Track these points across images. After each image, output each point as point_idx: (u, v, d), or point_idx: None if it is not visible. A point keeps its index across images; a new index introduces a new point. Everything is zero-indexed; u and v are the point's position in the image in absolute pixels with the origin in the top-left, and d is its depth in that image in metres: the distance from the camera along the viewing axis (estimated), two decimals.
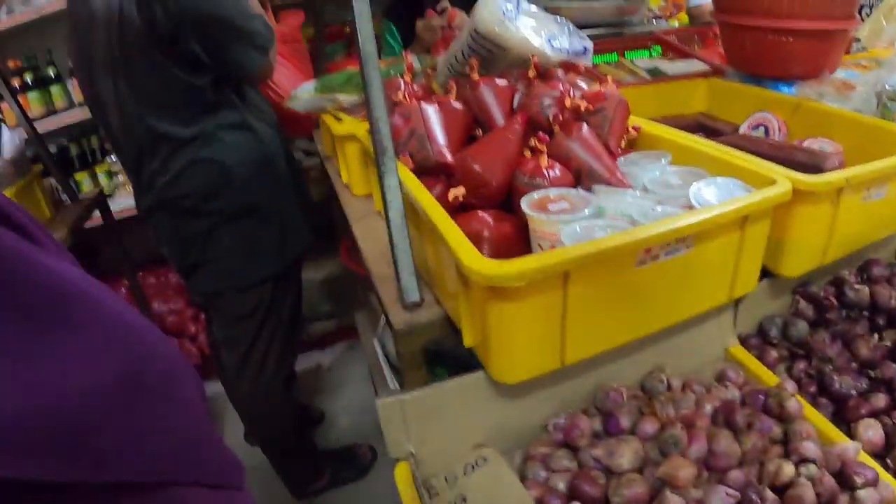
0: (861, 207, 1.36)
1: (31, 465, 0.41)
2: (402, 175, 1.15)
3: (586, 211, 1.08)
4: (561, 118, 1.29)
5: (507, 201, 1.25)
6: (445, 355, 1.41)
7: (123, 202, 3.09)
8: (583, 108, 1.31)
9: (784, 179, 1.16)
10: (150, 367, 0.51)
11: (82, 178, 3.31)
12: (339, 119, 1.71)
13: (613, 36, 2.45)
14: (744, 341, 1.38)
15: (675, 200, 1.17)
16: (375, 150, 1.09)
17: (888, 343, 1.33)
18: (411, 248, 1.13)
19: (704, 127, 1.91)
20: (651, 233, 0.97)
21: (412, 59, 1.65)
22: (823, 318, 1.41)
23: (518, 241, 1.18)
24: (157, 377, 0.52)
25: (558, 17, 1.60)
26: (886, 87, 1.73)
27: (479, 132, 1.42)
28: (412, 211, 1.14)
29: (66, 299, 0.48)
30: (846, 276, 1.46)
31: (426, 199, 1.10)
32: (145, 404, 0.49)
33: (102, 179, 3.35)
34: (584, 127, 1.29)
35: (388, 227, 1.11)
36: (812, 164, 1.42)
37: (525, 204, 1.12)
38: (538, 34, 1.52)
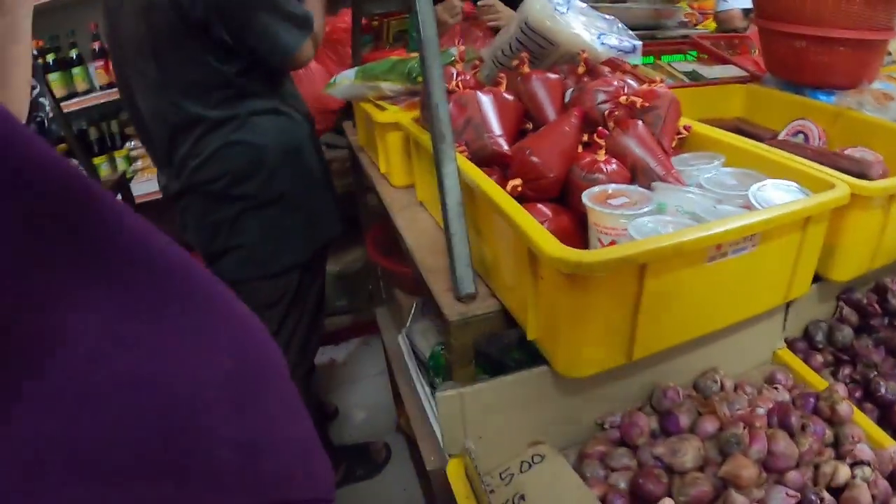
0: None
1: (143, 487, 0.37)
2: (461, 163, 1.14)
3: (648, 207, 1.08)
4: (616, 114, 1.29)
5: (561, 196, 1.24)
6: (479, 355, 1.40)
7: (142, 187, 3.08)
8: (638, 105, 1.30)
9: (842, 183, 1.16)
10: (262, 365, 0.48)
11: (100, 161, 3.30)
12: (381, 107, 1.69)
13: (650, 39, 2.45)
14: (790, 345, 1.38)
15: (734, 200, 1.16)
16: (434, 136, 1.08)
17: None
18: (468, 237, 1.12)
19: (743, 131, 1.89)
20: (725, 227, 0.96)
21: (463, 48, 1.63)
22: (867, 325, 1.42)
23: (575, 235, 1.17)
24: (269, 376, 0.48)
25: (607, 15, 1.59)
26: None
27: (530, 126, 1.41)
28: (470, 198, 1.13)
29: (190, 272, 0.45)
30: (888, 284, 1.46)
31: (491, 187, 1.09)
32: (258, 409, 0.45)
33: (122, 164, 3.34)
34: (640, 124, 1.28)
35: (445, 215, 1.10)
36: (857, 172, 1.41)
37: (587, 198, 1.11)
38: (588, 30, 1.51)
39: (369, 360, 3.24)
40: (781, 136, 1.80)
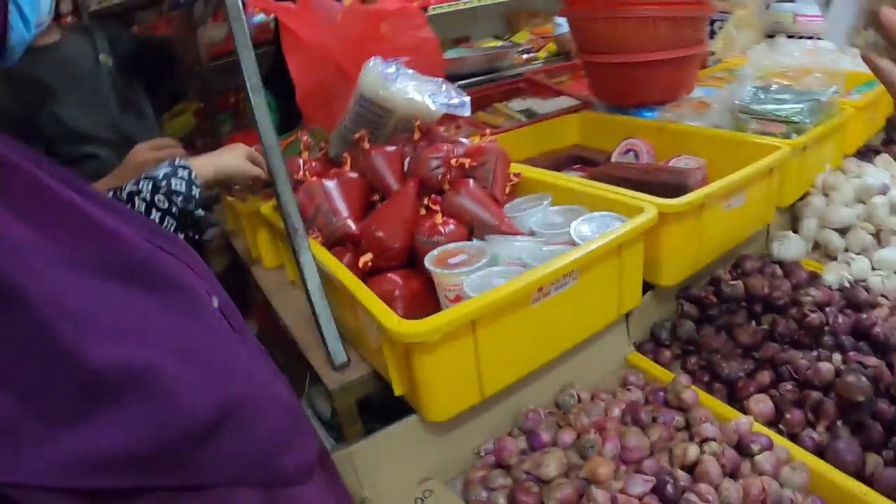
0: (724, 215, 1.56)
1: (135, 478, 0.47)
2: (315, 250, 1.27)
3: (483, 261, 1.23)
4: (449, 177, 1.44)
5: (411, 260, 1.39)
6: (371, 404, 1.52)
7: None
8: (467, 165, 1.45)
9: (650, 206, 1.34)
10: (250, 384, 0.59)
11: None
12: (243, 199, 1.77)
13: (487, 83, 2.62)
14: (639, 347, 1.53)
15: (559, 238, 1.32)
16: (288, 232, 1.20)
17: (766, 326, 1.50)
18: (332, 315, 1.25)
19: (580, 158, 2.09)
20: (540, 274, 1.12)
21: (306, 135, 1.75)
22: (707, 315, 1.58)
23: (427, 294, 1.31)
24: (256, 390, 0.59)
25: (434, 77, 1.74)
26: (736, 102, 1.93)
27: (377, 197, 1.55)
28: (328, 280, 1.26)
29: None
30: (721, 275, 1.63)
31: (342, 272, 1.22)
32: (243, 425, 0.56)
33: None
34: (471, 182, 1.43)
35: (309, 300, 1.23)
36: (677, 183, 1.59)
37: (428, 262, 1.25)
38: (420, 93, 1.65)
39: None
40: (614, 157, 1.98)
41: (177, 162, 1.28)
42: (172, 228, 1.19)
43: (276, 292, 1.68)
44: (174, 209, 1.22)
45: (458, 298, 1.21)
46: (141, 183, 1.21)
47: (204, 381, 0.52)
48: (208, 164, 1.35)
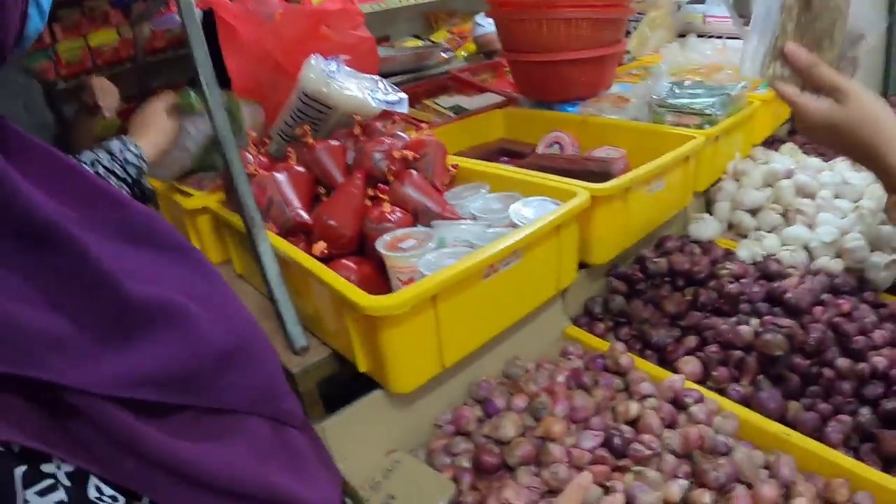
0: (647, 199, 1.68)
1: (172, 395, 0.53)
2: (272, 239, 1.33)
3: (431, 244, 1.31)
4: (393, 168, 1.52)
5: (360, 248, 1.46)
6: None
7: None
8: (410, 157, 1.54)
9: (583, 190, 1.45)
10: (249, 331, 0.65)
11: None
12: (186, 193, 1.80)
13: (415, 81, 2.70)
14: (575, 321, 1.64)
15: (501, 222, 1.42)
16: (246, 222, 1.26)
17: (689, 297, 1.62)
18: (291, 302, 1.31)
19: (507, 151, 2.19)
20: (491, 251, 1.22)
21: (252, 132, 1.80)
22: (635, 290, 1.69)
23: (378, 279, 1.39)
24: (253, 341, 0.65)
25: (372, 76, 1.81)
26: (653, 96, 2.06)
27: (322, 190, 1.61)
28: (286, 267, 1.31)
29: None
30: (646, 254, 1.76)
31: (302, 257, 1.29)
32: (250, 361, 0.62)
33: None
34: (414, 173, 1.51)
35: (269, 286, 1.28)
36: (602, 171, 1.71)
37: (380, 246, 1.32)
38: (360, 90, 1.71)
39: None
40: (540, 150, 2.09)
41: (125, 138, 1.54)
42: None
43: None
44: (129, 179, 1.50)
45: (410, 280, 1.29)
46: (99, 152, 1.47)
47: (219, 320, 0.59)
48: (149, 145, 1.58)
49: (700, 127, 1.92)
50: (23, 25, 0.55)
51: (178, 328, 0.55)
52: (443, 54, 3.08)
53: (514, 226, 1.37)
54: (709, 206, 2.09)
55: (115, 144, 1.51)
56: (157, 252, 0.60)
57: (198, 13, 1.20)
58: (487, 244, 1.26)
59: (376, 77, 1.83)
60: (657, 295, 1.65)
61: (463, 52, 3.47)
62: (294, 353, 1.35)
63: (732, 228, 1.99)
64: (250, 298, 1.59)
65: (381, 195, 1.44)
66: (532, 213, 1.40)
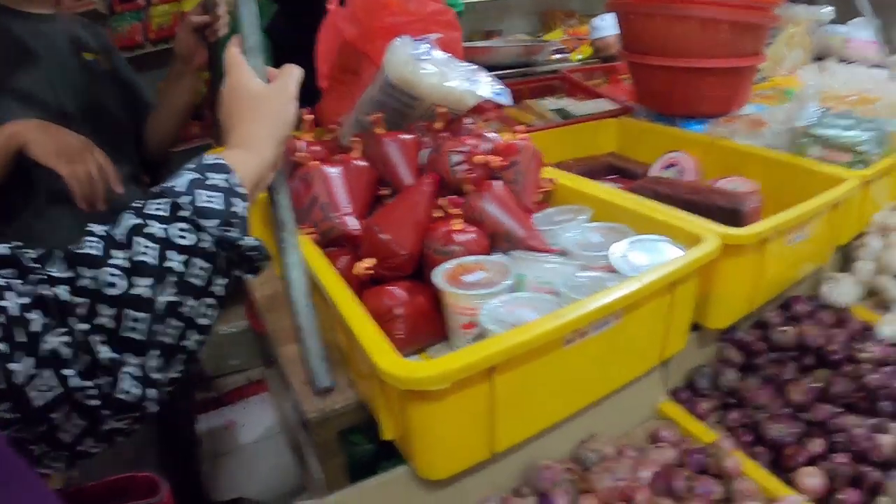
0: (785, 251, 1.36)
1: None
2: (306, 249, 1.06)
3: (505, 283, 1.02)
4: (472, 176, 1.22)
5: (418, 270, 1.17)
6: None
7: None
8: (495, 164, 1.25)
9: (712, 236, 1.14)
10: None
11: None
12: None
13: (520, 77, 2.45)
14: (674, 394, 1.34)
15: (598, 262, 1.11)
16: (275, 224, 1.00)
17: (818, 384, 1.31)
18: (319, 331, 1.03)
19: (615, 168, 1.94)
20: (581, 311, 0.90)
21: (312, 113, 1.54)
22: (752, 364, 1.40)
23: (435, 314, 1.11)
24: None
25: (469, 63, 1.52)
26: (797, 123, 1.73)
27: (388, 191, 1.33)
28: (318, 287, 1.05)
29: None
30: (770, 318, 1.45)
31: (331, 281, 1.01)
32: None
33: None
34: (498, 184, 1.23)
35: (292, 309, 1.02)
36: (731, 208, 1.42)
37: (439, 277, 1.05)
38: (455, 79, 1.42)
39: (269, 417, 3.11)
40: (654, 171, 1.81)
41: (204, 160, 0.78)
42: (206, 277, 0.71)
43: (261, 287, 1.47)
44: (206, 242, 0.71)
45: (471, 325, 1.02)
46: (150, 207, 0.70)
47: None
48: (251, 162, 0.84)
49: (851, 166, 1.59)
50: None
51: None
52: (552, 53, 2.83)
53: (614, 271, 1.07)
54: (845, 265, 1.75)
55: (184, 177, 0.74)
56: None
57: None
58: (578, 297, 0.96)
59: (474, 66, 1.53)
60: (780, 375, 1.34)
61: (578, 55, 3.29)
62: (314, 394, 1.08)
63: (873, 296, 1.65)
64: (285, 311, 1.33)
65: (452, 208, 1.15)
66: (642, 258, 1.09)
